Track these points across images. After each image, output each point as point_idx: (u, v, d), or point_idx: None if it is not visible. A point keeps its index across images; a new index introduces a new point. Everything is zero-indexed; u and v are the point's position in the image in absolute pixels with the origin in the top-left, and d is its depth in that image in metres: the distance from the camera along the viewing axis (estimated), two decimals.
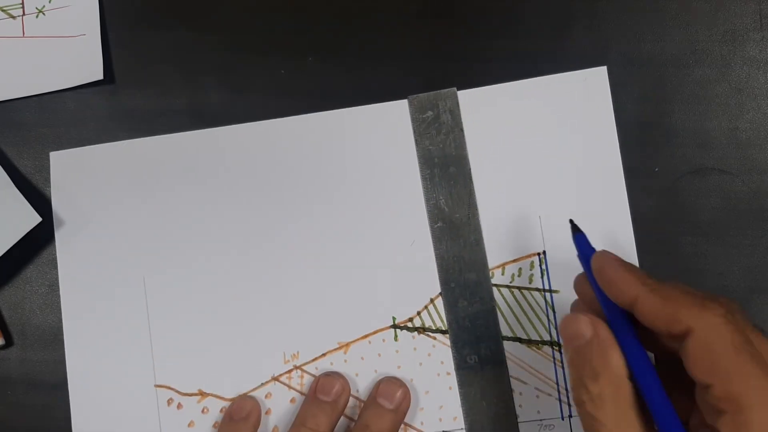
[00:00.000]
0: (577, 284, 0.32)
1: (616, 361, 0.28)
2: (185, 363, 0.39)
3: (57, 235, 0.40)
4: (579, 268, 0.37)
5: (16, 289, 0.41)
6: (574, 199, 0.39)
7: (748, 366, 0.26)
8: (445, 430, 0.39)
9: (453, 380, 0.39)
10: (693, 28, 0.40)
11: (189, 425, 0.39)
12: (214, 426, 0.39)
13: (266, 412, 0.39)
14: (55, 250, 0.40)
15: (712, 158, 0.40)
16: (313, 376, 0.39)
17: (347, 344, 0.39)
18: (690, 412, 0.29)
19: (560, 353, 0.39)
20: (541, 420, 0.38)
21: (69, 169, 0.41)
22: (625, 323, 0.28)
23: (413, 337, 0.39)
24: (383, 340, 0.39)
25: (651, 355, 0.29)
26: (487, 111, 0.40)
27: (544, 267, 0.39)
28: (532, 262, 0.39)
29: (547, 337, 0.39)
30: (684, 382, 0.27)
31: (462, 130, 0.40)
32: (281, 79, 0.41)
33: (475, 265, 0.39)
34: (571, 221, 0.33)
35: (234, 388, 0.39)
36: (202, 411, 0.39)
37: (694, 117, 0.40)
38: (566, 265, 0.39)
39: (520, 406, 0.38)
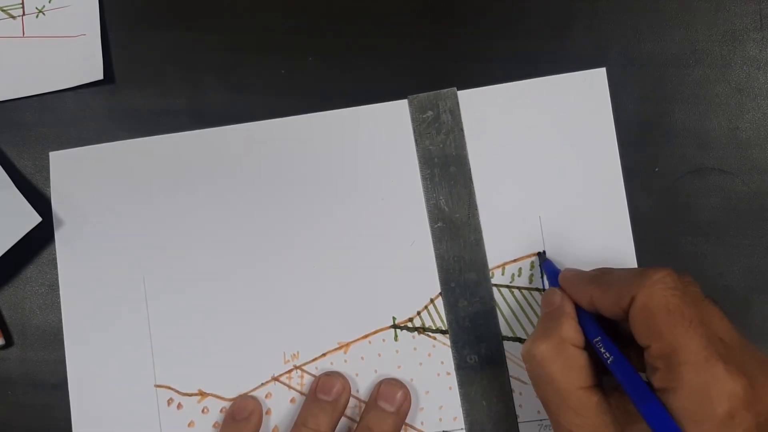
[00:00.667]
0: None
1: (567, 326, 0.32)
2: (185, 363, 0.39)
3: (57, 235, 0.40)
4: (579, 268, 0.37)
5: (16, 289, 0.41)
6: (574, 199, 0.39)
7: (680, 327, 0.28)
8: (445, 430, 0.39)
9: (453, 380, 0.39)
10: (693, 28, 0.40)
11: (189, 425, 0.39)
12: (214, 426, 0.39)
13: (266, 412, 0.39)
14: (55, 250, 0.40)
15: (712, 158, 0.40)
16: (313, 376, 0.39)
17: (347, 344, 0.39)
18: None
19: None
20: (541, 420, 0.38)
21: (69, 169, 0.41)
22: (590, 321, 0.33)
23: (413, 337, 0.39)
24: (383, 340, 0.39)
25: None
26: (487, 111, 0.40)
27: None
28: (532, 262, 0.39)
29: None
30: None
31: (462, 130, 0.40)
32: (281, 79, 0.41)
33: (475, 265, 0.39)
34: (540, 253, 0.39)
35: (234, 388, 0.39)
36: (202, 411, 0.39)
37: (694, 117, 0.40)
38: (566, 265, 0.39)
39: (520, 406, 0.38)
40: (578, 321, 0.33)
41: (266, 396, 0.39)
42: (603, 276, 0.32)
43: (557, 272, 0.36)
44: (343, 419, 0.39)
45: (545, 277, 0.39)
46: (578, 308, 0.33)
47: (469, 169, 0.40)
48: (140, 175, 0.41)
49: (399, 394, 0.38)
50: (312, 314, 0.39)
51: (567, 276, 0.34)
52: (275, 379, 0.39)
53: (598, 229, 0.39)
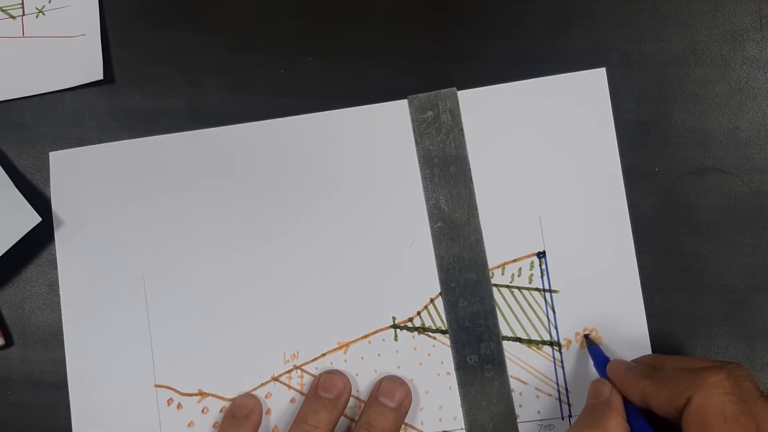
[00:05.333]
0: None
1: (614, 421, 0.32)
2: (185, 363, 0.39)
3: (57, 235, 0.40)
4: (579, 268, 0.39)
5: (16, 289, 0.41)
6: (574, 199, 0.39)
7: None
8: (445, 430, 0.39)
9: (453, 380, 0.39)
10: (693, 28, 0.40)
11: (189, 425, 0.39)
12: (214, 426, 0.39)
13: (266, 412, 0.39)
14: (55, 250, 0.40)
15: (712, 158, 0.40)
16: (313, 376, 0.39)
17: (347, 344, 0.39)
18: None
19: (560, 353, 0.39)
20: (541, 420, 0.38)
21: (69, 169, 0.41)
22: (640, 419, 0.33)
23: (413, 337, 0.39)
24: (383, 340, 0.39)
25: None
26: (487, 111, 0.40)
27: (544, 267, 0.39)
28: (532, 262, 0.39)
29: (547, 337, 0.39)
30: None
31: (462, 130, 0.40)
32: (281, 79, 0.41)
33: (475, 265, 0.39)
34: (586, 335, 0.38)
35: (234, 388, 0.39)
36: (202, 411, 0.39)
37: (694, 117, 0.40)
38: (566, 265, 0.39)
39: (520, 406, 0.38)
40: (626, 417, 0.33)
41: (266, 396, 0.39)
42: (657, 371, 0.32)
43: (605, 360, 0.36)
44: (342, 418, 0.39)
45: (546, 275, 0.38)
46: (627, 403, 0.33)
47: (469, 169, 0.40)
48: (140, 175, 0.41)
49: (400, 391, 0.38)
50: (312, 314, 0.39)
51: (617, 368, 0.34)
52: (275, 379, 0.39)
53: (598, 229, 0.39)
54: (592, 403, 0.34)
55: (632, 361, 0.36)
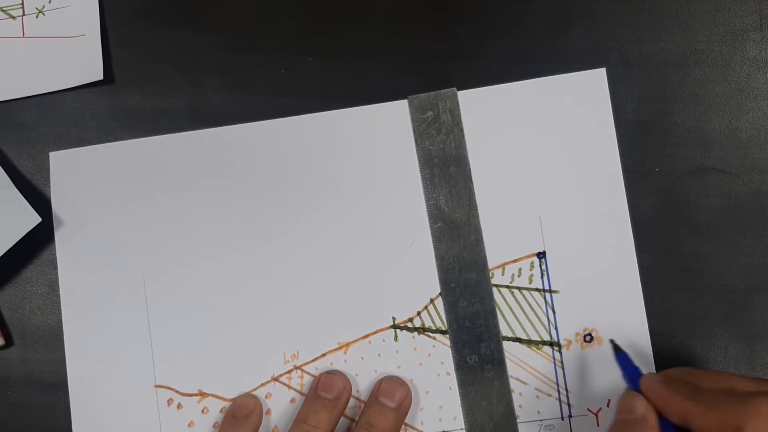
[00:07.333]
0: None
1: None
2: (185, 363, 0.39)
3: (57, 235, 0.40)
4: (579, 268, 0.39)
5: (16, 289, 0.41)
6: (574, 199, 0.39)
7: None
8: (445, 430, 0.39)
9: (453, 380, 0.39)
10: (693, 28, 0.40)
11: (189, 425, 0.39)
12: (214, 426, 0.39)
13: (266, 412, 0.39)
14: (55, 250, 0.40)
15: (712, 158, 0.40)
16: (313, 376, 0.39)
17: (347, 344, 0.39)
18: None
19: (560, 353, 0.39)
20: (541, 420, 0.38)
21: (69, 169, 0.41)
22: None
23: (413, 337, 0.39)
24: (383, 340, 0.39)
25: None
26: (487, 111, 0.40)
27: (544, 267, 0.39)
28: (532, 262, 0.39)
29: (547, 337, 0.39)
30: None
31: (462, 130, 0.40)
32: (281, 79, 0.41)
33: (475, 265, 0.39)
34: (612, 341, 0.37)
35: (234, 388, 0.39)
36: (202, 411, 0.39)
37: (694, 117, 0.40)
38: (566, 265, 0.39)
39: (520, 406, 0.38)
40: None
41: (266, 396, 0.39)
42: (700, 392, 0.31)
43: (637, 373, 0.34)
44: (342, 418, 0.39)
45: (546, 275, 0.38)
46: (660, 420, 0.32)
47: (469, 169, 0.40)
48: (140, 175, 0.41)
49: (400, 391, 0.38)
50: (312, 314, 0.39)
51: (654, 385, 0.33)
52: (275, 379, 0.39)
53: (598, 229, 0.39)
54: (624, 419, 0.33)
55: (662, 374, 0.34)
